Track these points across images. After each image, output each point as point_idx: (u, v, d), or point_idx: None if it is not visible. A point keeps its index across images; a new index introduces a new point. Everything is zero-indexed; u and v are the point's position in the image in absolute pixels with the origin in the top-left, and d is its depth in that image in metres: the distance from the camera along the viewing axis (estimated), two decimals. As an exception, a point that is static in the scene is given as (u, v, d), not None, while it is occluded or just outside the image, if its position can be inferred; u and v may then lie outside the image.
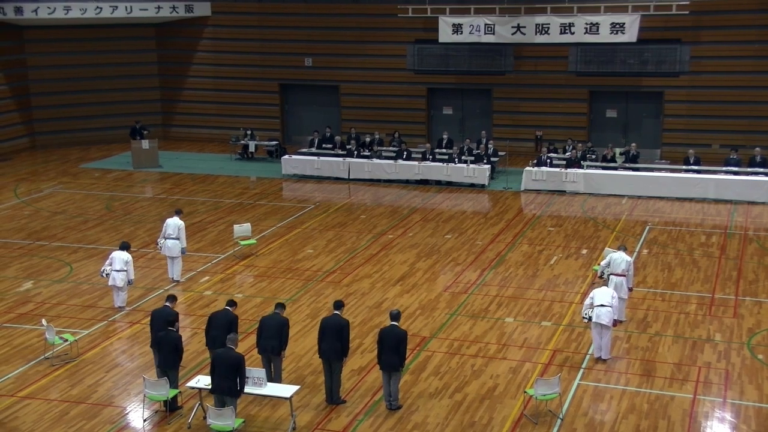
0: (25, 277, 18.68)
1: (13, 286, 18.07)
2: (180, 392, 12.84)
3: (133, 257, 16.75)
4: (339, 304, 13.10)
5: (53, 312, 16.61)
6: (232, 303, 13.56)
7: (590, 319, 14.12)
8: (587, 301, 14.29)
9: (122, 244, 16.61)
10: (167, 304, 13.47)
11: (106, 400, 13.27)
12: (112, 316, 16.44)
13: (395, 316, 12.74)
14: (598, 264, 18.00)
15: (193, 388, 12.62)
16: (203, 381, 12.39)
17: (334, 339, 12.75)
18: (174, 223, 17.86)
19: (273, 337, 13.02)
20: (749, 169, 24.48)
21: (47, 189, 26.55)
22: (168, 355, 12.63)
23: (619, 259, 15.42)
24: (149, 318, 13.69)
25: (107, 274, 16.43)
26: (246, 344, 14.69)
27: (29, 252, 20.41)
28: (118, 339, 15.49)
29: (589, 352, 14.48)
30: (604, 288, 14.25)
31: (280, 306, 13.41)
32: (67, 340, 14.71)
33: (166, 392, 12.43)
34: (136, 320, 16.16)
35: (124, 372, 14.17)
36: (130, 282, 16.55)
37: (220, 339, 12.59)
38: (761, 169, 24.36)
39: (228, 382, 11.78)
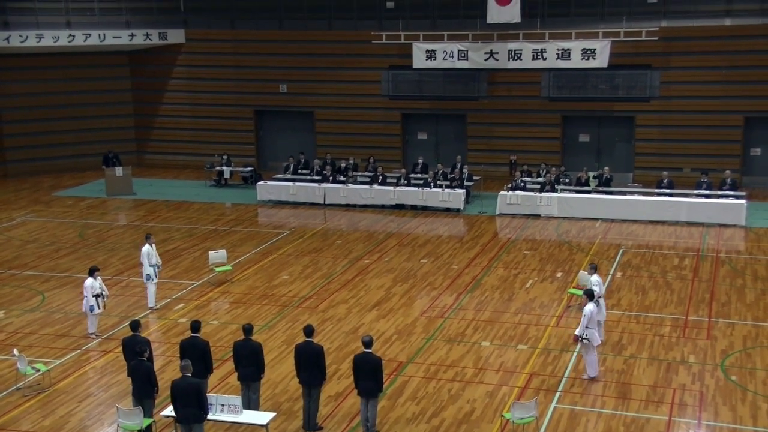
0: (-3, 306, 18.44)
1: (-16, 316, 17.83)
2: (154, 421, 12.68)
3: (105, 284, 16.67)
4: (310, 331, 12.88)
5: (25, 342, 16.37)
6: (197, 328, 13.18)
7: (589, 340, 14.13)
8: (584, 321, 14.12)
9: (89, 270, 16.54)
10: (136, 333, 13.29)
11: (79, 430, 13.06)
12: (84, 345, 16.24)
13: (368, 343, 12.58)
14: (573, 287, 18.15)
15: (167, 416, 12.46)
16: (178, 410, 12.24)
17: (312, 366, 12.67)
18: (151, 251, 17.81)
19: (250, 365, 12.91)
20: (720, 192, 24.81)
21: (19, 217, 26.26)
22: (142, 385, 12.48)
23: (597, 283, 15.59)
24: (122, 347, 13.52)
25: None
26: (222, 371, 14.57)
27: (0, 281, 20.14)
28: (92, 368, 15.29)
29: (584, 376, 14.43)
30: (592, 306, 14.22)
31: (249, 330, 13.06)
32: (39, 370, 14.50)
33: (140, 421, 12.27)
34: (109, 349, 15.97)
35: (97, 402, 13.97)
36: (91, 309, 16.29)
37: (196, 366, 12.44)
38: (732, 192, 24.71)
39: (191, 410, 11.64)
